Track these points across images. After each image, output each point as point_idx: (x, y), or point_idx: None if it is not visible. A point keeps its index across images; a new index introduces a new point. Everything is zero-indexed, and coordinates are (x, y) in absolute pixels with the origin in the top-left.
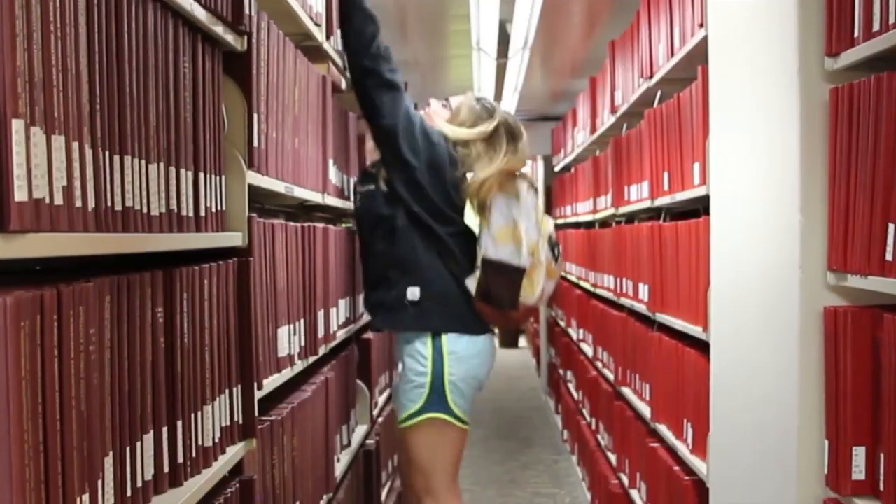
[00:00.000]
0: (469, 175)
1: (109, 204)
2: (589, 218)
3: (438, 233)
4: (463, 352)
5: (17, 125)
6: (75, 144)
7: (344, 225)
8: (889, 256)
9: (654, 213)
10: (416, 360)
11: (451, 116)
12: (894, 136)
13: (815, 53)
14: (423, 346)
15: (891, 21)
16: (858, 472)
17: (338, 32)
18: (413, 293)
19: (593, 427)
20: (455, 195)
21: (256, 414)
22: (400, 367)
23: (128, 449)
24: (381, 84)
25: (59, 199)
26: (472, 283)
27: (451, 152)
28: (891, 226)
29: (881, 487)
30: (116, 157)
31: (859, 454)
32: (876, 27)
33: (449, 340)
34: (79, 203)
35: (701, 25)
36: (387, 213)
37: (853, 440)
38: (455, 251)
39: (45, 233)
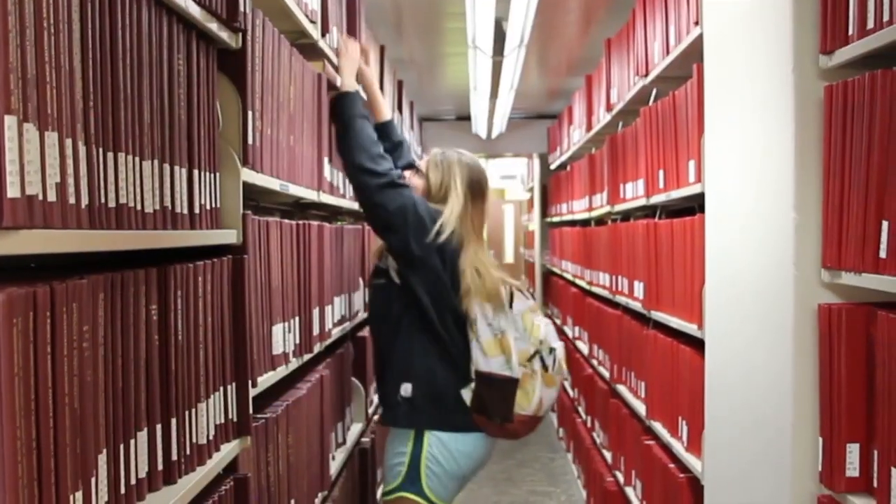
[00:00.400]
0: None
1: (103, 201)
2: (585, 216)
3: (444, 336)
4: (447, 444)
5: (9, 121)
6: (68, 141)
7: (339, 223)
8: (883, 254)
9: (649, 211)
10: (399, 442)
11: (425, 183)
12: (888, 133)
13: (810, 51)
14: (405, 437)
15: (885, 18)
16: (852, 468)
17: (333, 30)
18: (406, 389)
19: (589, 425)
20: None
21: (251, 411)
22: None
23: (122, 446)
24: (385, 185)
25: (52, 196)
26: (467, 395)
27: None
28: (884, 223)
29: (875, 484)
30: (110, 154)
31: (853, 451)
32: (870, 25)
33: (433, 434)
34: (72, 200)
35: (696, 23)
36: (395, 310)
37: (847, 437)
38: (457, 350)
39: (39, 229)
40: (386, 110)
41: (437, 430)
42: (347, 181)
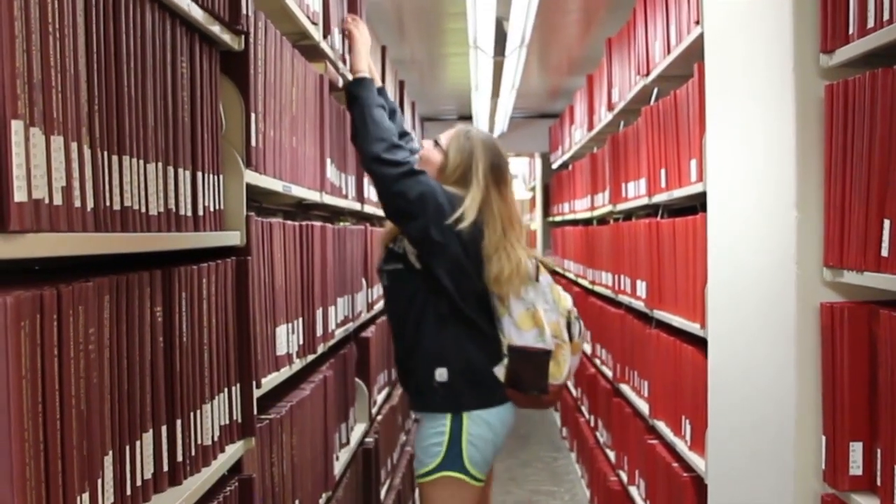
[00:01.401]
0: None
1: (108, 204)
2: (587, 215)
3: (471, 316)
4: (487, 420)
5: (16, 126)
6: (74, 145)
7: (342, 223)
8: (885, 252)
9: (651, 211)
10: (435, 422)
11: (443, 158)
12: (889, 132)
13: (811, 50)
14: (443, 419)
15: (885, 17)
16: (856, 467)
17: (335, 31)
18: (441, 374)
19: (592, 424)
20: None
21: (255, 412)
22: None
23: (127, 448)
24: (403, 174)
25: (58, 200)
26: (500, 372)
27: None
28: (886, 222)
29: (878, 482)
30: (115, 157)
31: (856, 449)
32: (870, 24)
33: (473, 413)
34: (78, 203)
35: (697, 23)
36: (419, 296)
37: (850, 435)
38: (485, 329)
39: (45, 233)
40: (377, 76)
41: (477, 409)
42: (365, 172)
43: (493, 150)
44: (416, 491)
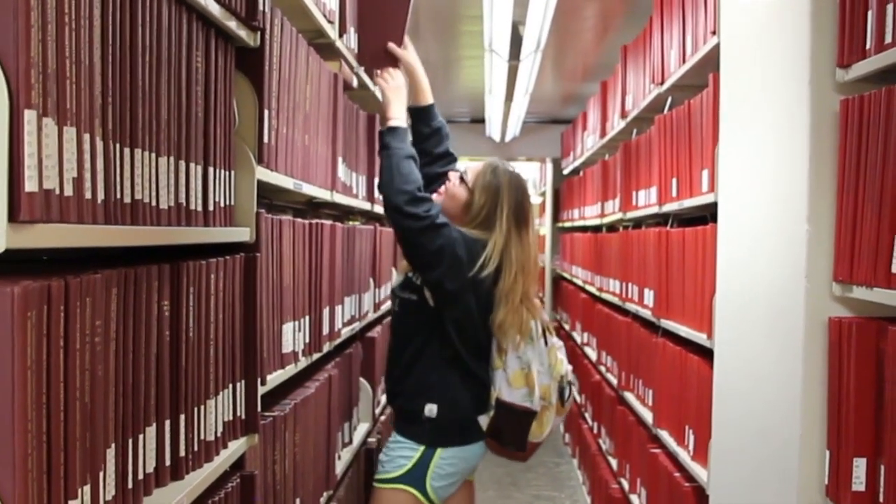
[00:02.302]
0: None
1: (119, 196)
2: (596, 222)
3: (469, 363)
4: (458, 454)
5: (29, 116)
6: (86, 136)
7: (352, 223)
8: (895, 269)
9: (661, 219)
10: (410, 443)
11: (469, 196)
12: None
13: (827, 64)
14: (419, 446)
15: None
16: (859, 483)
17: (350, 30)
18: (430, 410)
19: (595, 431)
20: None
21: (259, 409)
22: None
23: (130, 441)
24: (425, 228)
25: (68, 191)
26: (484, 421)
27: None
28: None
29: (881, 499)
30: (127, 150)
31: (860, 465)
32: (888, 39)
33: (446, 450)
34: (88, 195)
35: (713, 33)
36: (424, 331)
37: (854, 451)
38: (480, 376)
39: (55, 224)
40: (428, 94)
41: (455, 447)
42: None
43: (519, 189)
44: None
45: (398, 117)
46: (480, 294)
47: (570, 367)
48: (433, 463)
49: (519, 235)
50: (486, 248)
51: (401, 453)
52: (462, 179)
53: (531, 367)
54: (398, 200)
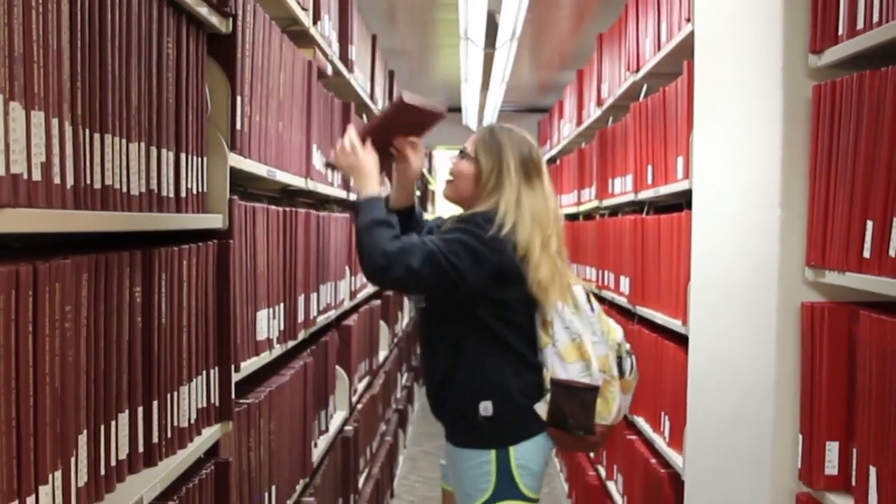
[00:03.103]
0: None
1: (89, 182)
2: (573, 210)
3: (515, 346)
4: (533, 446)
5: None
6: (55, 121)
7: (327, 212)
8: (867, 253)
9: (637, 207)
10: (479, 458)
11: (475, 167)
12: (875, 133)
13: (800, 50)
14: (488, 454)
15: (874, 19)
16: (831, 467)
17: (325, 17)
18: (486, 408)
19: None
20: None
21: (233, 396)
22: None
23: (102, 427)
24: (408, 262)
25: (37, 176)
26: (542, 409)
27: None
28: (869, 223)
29: (853, 483)
30: (97, 136)
31: (833, 449)
32: (860, 25)
33: (517, 446)
34: (57, 180)
35: (688, 20)
36: (458, 328)
37: (827, 435)
38: (529, 360)
39: (23, 208)
40: (413, 195)
41: (523, 441)
42: (390, 285)
43: (522, 142)
44: None
45: (368, 192)
46: (509, 267)
47: (622, 334)
48: (513, 462)
49: (531, 187)
50: (499, 208)
51: (476, 476)
52: (463, 154)
53: (582, 338)
54: (377, 260)
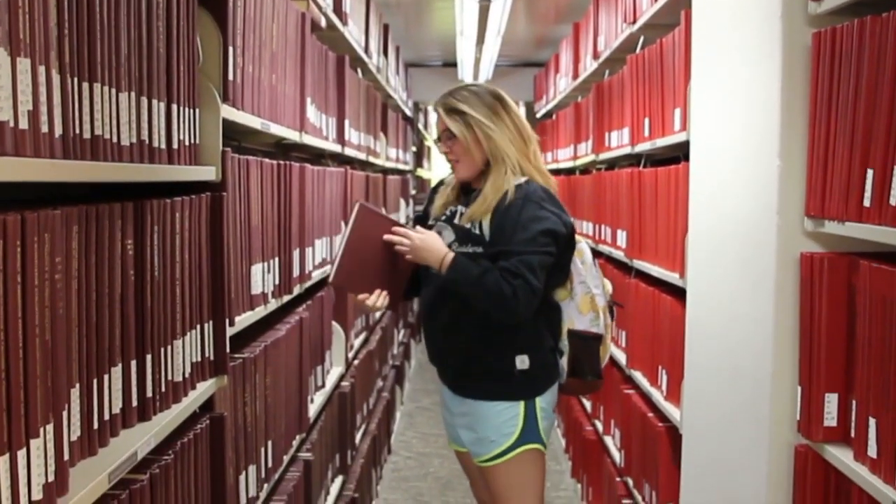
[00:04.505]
0: None
1: (77, 131)
2: (569, 164)
3: (550, 300)
4: (549, 396)
5: None
6: (42, 68)
7: (322, 167)
8: (867, 202)
9: (634, 161)
10: (508, 409)
11: (461, 142)
12: (876, 81)
13: None
14: (517, 406)
15: None
16: (830, 418)
17: None
18: (522, 361)
19: None
20: None
21: (228, 351)
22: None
23: (95, 381)
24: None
25: (23, 124)
26: (564, 362)
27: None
28: (869, 172)
29: (853, 434)
30: (85, 84)
31: (832, 401)
32: None
33: (542, 396)
34: (45, 129)
35: None
36: None
37: (826, 387)
38: (553, 317)
39: (9, 157)
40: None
41: (545, 392)
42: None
43: (476, 92)
44: (486, 472)
45: (441, 257)
46: (571, 232)
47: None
48: (538, 412)
49: (508, 124)
50: (507, 159)
51: (503, 418)
52: (443, 138)
53: (592, 290)
54: (508, 308)
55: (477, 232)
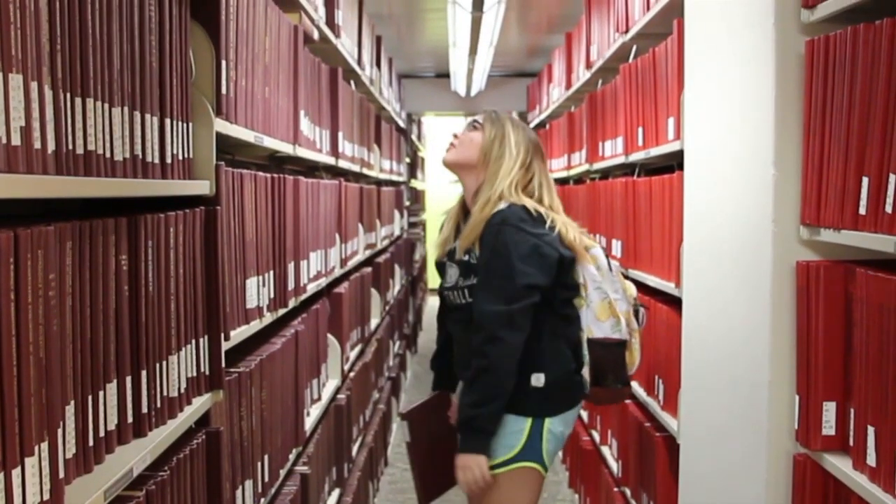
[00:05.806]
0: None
1: (70, 147)
2: (563, 174)
3: (561, 313)
4: (562, 419)
5: None
6: (34, 84)
7: (316, 179)
8: (862, 210)
9: (628, 170)
10: (514, 424)
11: (481, 134)
12: (869, 88)
13: (792, 5)
14: (524, 422)
15: None
16: (829, 427)
17: None
18: (538, 379)
19: None
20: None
21: (224, 365)
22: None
23: (90, 397)
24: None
25: (16, 140)
26: (586, 373)
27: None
28: (865, 179)
29: (851, 443)
30: (78, 100)
31: (830, 409)
32: None
33: (553, 418)
34: (38, 145)
35: None
36: None
37: (824, 395)
38: (572, 331)
39: (2, 173)
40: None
41: (560, 414)
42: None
43: (524, 126)
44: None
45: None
46: (566, 256)
47: (635, 289)
48: (544, 436)
49: (539, 163)
50: (500, 171)
51: (508, 431)
52: (473, 125)
53: (610, 296)
54: (499, 374)
55: (473, 262)
